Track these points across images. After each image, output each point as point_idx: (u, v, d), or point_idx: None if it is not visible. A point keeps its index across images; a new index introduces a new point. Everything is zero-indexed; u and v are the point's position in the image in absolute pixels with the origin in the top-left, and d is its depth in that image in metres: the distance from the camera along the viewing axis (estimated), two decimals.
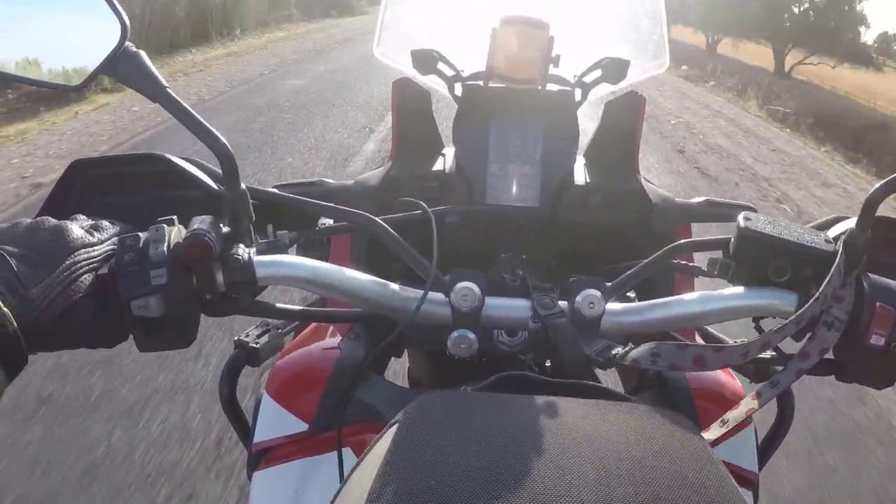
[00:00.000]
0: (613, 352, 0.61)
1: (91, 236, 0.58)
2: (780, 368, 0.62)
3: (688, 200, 0.92)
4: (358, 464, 0.49)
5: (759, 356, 0.69)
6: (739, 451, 0.74)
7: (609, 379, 0.78)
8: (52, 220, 0.57)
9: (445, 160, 0.92)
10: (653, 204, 0.88)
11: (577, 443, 0.45)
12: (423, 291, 0.64)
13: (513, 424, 0.47)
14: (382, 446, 0.47)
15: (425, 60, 0.89)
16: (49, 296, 0.53)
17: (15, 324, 0.50)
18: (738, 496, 0.43)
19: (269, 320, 0.81)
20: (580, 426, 0.48)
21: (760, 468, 0.78)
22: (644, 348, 0.58)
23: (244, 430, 0.84)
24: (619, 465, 0.43)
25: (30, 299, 0.52)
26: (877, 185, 0.59)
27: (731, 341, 0.79)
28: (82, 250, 0.56)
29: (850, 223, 0.62)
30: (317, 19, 19.86)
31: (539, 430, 0.46)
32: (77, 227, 0.57)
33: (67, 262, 0.54)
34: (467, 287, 0.63)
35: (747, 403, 0.61)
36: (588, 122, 0.92)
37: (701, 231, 0.87)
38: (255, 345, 0.76)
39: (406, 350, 0.99)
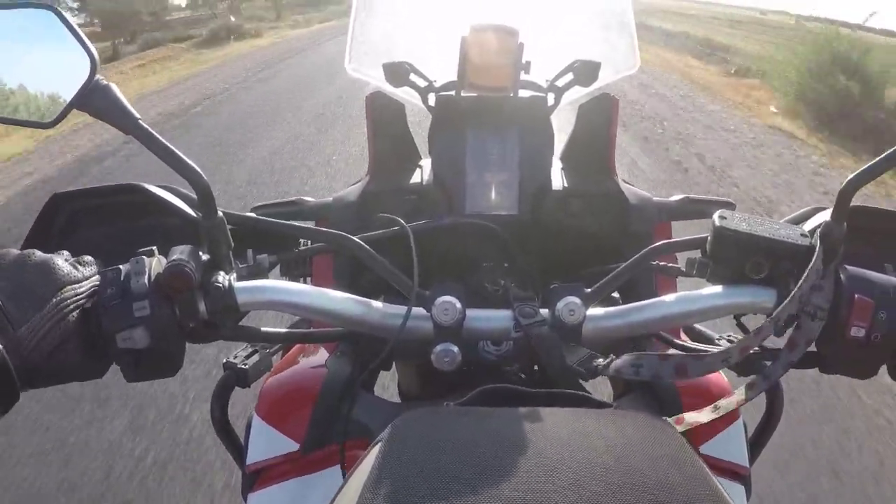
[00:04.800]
0: (595, 363, 0.61)
1: (77, 271, 0.58)
2: (767, 363, 0.63)
3: (666, 199, 0.93)
4: (346, 481, 0.50)
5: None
6: (730, 446, 0.75)
7: (599, 379, 0.79)
8: (39, 255, 0.57)
9: (423, 172, 0.92)
10: (631, 205, 0.88)
11: (554, 451, 0.46)
12: (404, 308, 0.65)
13: (492, 437, 0.48)
14: (367, 464, 0.48)
15: (397, 73, 0.89)
16: (38, 334, 0.53)
17: (8, 361, 0.50)
18: (715, 490, 0.44)
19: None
20: (559, 434, 0.49)
21: (751, 462, 0.79)
22: (625, 359, 0.59)
23: (238, 451, 0.84)
24: (592, 469, 0.44)
25: (19, 338, 0.52)
26: (850, 177, 0.59)
27: (716, 336, 0.80)
28: (68, 287, 0.56)
29: (826, 215, 0.62)
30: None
31: (518, 442, 0.47)
32: (63, 262, 0.58)
33: (55, 300, 0.55)
34: (448, 301, 0.63)
35: (740, 394, 0.61)
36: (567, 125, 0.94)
37: (683, 228, 0.88)
38: (243, 366, 0.76)
39: (395, 363, 0.99)
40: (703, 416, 0.61)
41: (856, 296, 0.59)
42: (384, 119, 0.93)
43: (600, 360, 0.62)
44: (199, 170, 0.61)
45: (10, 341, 0.52)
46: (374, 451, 0.49)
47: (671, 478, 0.44)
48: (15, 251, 0.58)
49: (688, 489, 0.43)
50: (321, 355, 0.80)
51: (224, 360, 0.78)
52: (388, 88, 0.92)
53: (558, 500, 0.41)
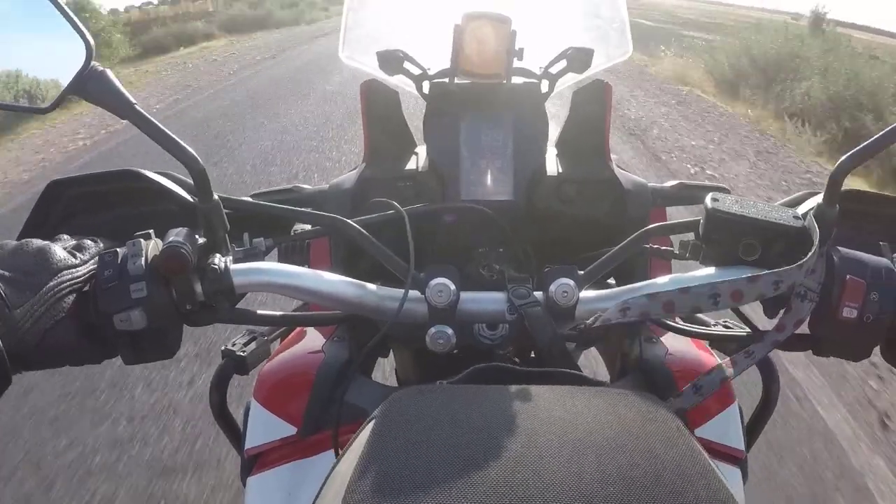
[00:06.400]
0: (584, 324, 0.62)
1: (74, 257, 0.59)
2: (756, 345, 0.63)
3: (660, 185, 0.94)
4: (339, 460, 0.51)
5: (739, 334, 0.71)
6: (726, 430, 0.76)
7: (597, 369, 0.79)
8: (37, 242, 0.58)
9: (418, 159, 0.93)
10: (626, 191, 0.89)
11: (547, 428, 0.46)
12: (400, 290, 0.65)
13: (484, 414, 0.48)
14: (360, 442, 0.48)
15: (391, 61, 0.89)
16: (33, 316, 0.54)
17: (0, 344, 0.51)
18: (712, 472, 0.44)
19: (255, 328, 0.82)
20: (551, 412, 0.49)
21: (748, 447, 0.79)
22: (613, 306, 0.59)
23: (236, 436, 0.85)
24: (588, 446, 0.44)
25: (14, 320, 0.53)
26: (841, 159, 0.59)
27: (712, 322, 0.81)
28: (66, 272, 0.57)
29: (819, 198, 0.63)
30: None
31: (510, 418, 0.48)
32: (60, 249, 0.58)
33: (51, 284, 0.56)
34: (442, 283, 0.64)
35: (720, 371, 0.62)
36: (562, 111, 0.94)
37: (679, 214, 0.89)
38: (242, 353, 0.77)
39: (392, 349, 1.00)
40: (685, 399, 0.62)
41: (847, 277, 0.59)
42: (379, 107, 0.94)
43: (588, 321, 0.62)
44: (195, 153, 0.61)
45: (6, 323, 0.52)
46: (367, 429, 0.49)
47: (665, 455, 0.44)
48: (13, 242, 0.59)
49: (681, 467, 0.43)
50: (318, 341, 0.81)
51: (222, 348, 0.78)
52: (382, 76, 0.93)
53: (552, 476, 0.41)
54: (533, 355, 0.89)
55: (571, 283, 0.64)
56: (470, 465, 0.42)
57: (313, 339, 0.82)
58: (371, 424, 0.49)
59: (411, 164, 0.92)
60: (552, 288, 0.64)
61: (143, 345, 0.59)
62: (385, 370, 1.35)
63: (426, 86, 0.91)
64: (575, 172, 0.90)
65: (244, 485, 0.76)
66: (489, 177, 0.88)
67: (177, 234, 0.59)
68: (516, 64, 0.89)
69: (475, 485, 0.40)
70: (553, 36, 0.99)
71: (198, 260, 0.60)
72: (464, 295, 0.65)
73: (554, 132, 0.93)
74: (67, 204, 0.74)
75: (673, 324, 0.75)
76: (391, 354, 1.03)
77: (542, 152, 0.89)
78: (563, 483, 0.40)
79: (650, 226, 0.70)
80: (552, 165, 0.91)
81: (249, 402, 0.78)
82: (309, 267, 0.87)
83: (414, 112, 0.93)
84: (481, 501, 0.39)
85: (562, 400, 0.51)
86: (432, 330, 0.65)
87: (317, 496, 0.49)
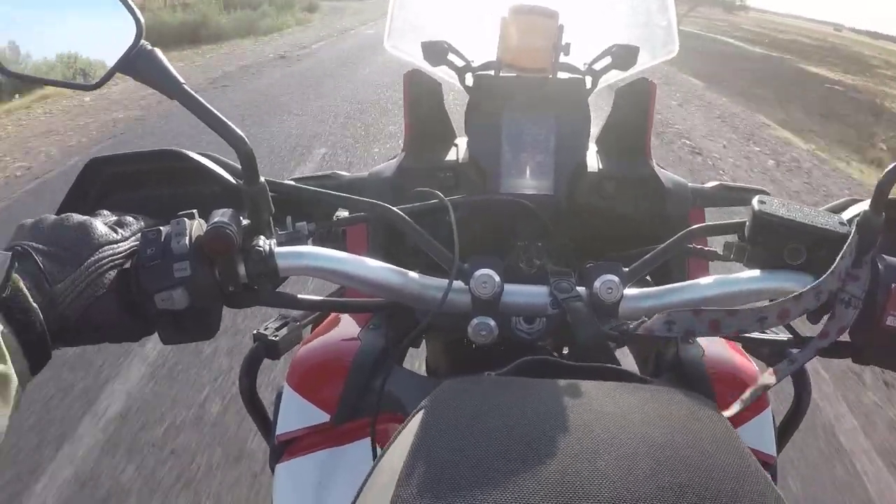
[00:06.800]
0: (627, 326, 0.61)
1: (115, 233, 0.59)
2: (795, 351, 0.62)
3: (701, 185, 0.93)
4: (385, 451, 0.50)
5: (775, 339, 0.70)
6: (758, 435, 0.75)
7: (626, 365, 0.78)
8: (78, 217, 0.58)
9: (458, 150, 0.92)
10: (666, 189, 0.88)
11: (600, 424, 0.46)
12: (443, 280, 0.65)
13: (536, 407, 0.48)
14: (409, 433, 0.47)
15: (435, 52, 0.89)
16: (74, 291, 0.54)
17: (42, 318, 0.51)
18: (761, 474, 0.44)
19: (287, 313, 0.82)
20: (603, 407, 0.48)
21: (779, 452, 0.78)
22: (658, 318, 0.59)
23: (265, 423, 0.85)
24: (641, 445, 0.43)
25: (55, 295, 0.53)
26: (889, 167, 0.59)
27: None
28: (107, 247, 0.57)
29: (865, 205, 0.62)
30: None
31: (562, 413, 0.47)
32: (101, 224, 0.58)
33: (92, 259, 0.55)
34: (487, 274, 0.63)
35: (764, 380, 0.61)
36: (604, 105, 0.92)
37: (712, 216, 0.87)
38: (273, 338, 0.77)
39: (424, 339, 1.00)
40: (729, 411, 0.61)
41: (893, 285, 0.59)
42: (421, 97, 0.93)
43: (630, 323, 0.61)
44: (243, 135, 0.61)
45: (46, 298, 0.52)
46: (416, 421, 0.48)
47: (716, 456, 0.43)
48: (53, 216, 0.59)
49: (737, 469, 0.43)
50: (353, 328, 0.80)
51: (254, 332, 0.78)
52: (426, 67, 0.92)
53: (610, 471, 0.41)
54: (566, 350, 0.88)
55: (616, 279, 0.63)
56: (525, 459, 0.42)
57: (348, 326, 0.82)
58: (420, 416, 0.49)
59: (451, 156, 0.91)
60: (597, 284, 0.63)
61: (183, 324, 0.59)
62: (414, 361, 1.35)
63: (469, 78, 0.91)
64: (616, 169, 0.90)
65: (273, 472, 0.76)
66: (530, 171, 0.87)
67: (222, 215, 0.59)
68: (561, 59, 0.89)
69: (532, 479, 0.40)
70: (599, 32, 0.98)
71: (242, 242, 0.60)
72: (507, 287, 0.65)
73: (594, 128, 0.92)
74: (107, 181, 0.74)
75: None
76: (421, 347, 1.03)
77: (583, 148, 0.88)
78: (618, 479, 0.40)
79: (695, 226, 0.69)
80: (593, 161, 0.90)
81: (282, 388, 0.78)
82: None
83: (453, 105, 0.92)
84: (539, 495, 0.38)
85: (612, 395, 0.50)
86: (475, 321, 0.65)
87: (361, 488, 0.48)
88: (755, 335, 0.74)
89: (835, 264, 0.58)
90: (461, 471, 0.41)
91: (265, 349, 0.78)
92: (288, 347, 0.79)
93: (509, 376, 0.57)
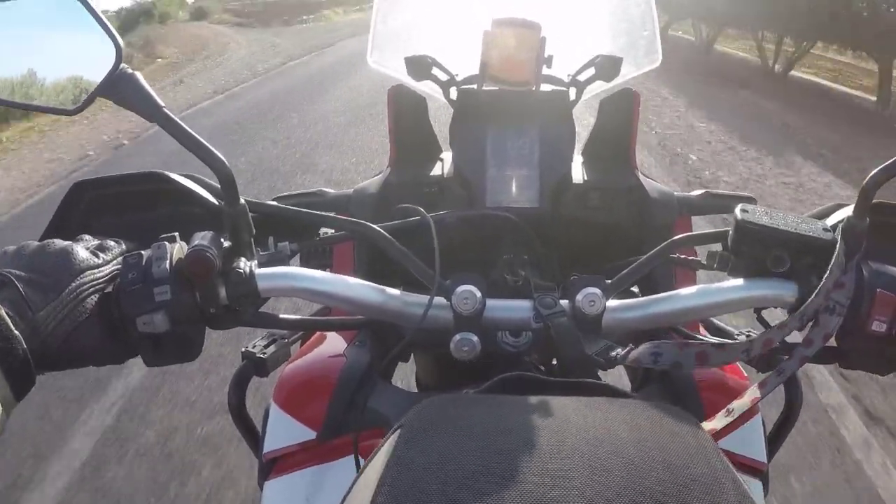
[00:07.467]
0: (614, 353, 0.61)
1: (96, 257, 0.59)
2: (784, 357, 0.62)
3: (686, 194, 0.93)
4: (365, 467, 0.50)
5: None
6: (748, 442, 0.74)
7: (617, 371, 0.78)
8: (59, 242, 0.58)
9: (444, 164, 0.92)
10: (651, 199, 0.88)
11: (574, 440, 0.46)
12: (425, 296, 0.65)
13: (511, 426, 0.48)
14: (385, 451, 0.47)
15: (419, 66, 0.89)
16: (56, 318, 0.54)
17: (25, 346, 0.51)
18: (738, 486, 0.44)
19: (276, 330, 0.82)
20: (578, 424, 0.48)
21: (770, 458, 0.78)
22: (644, 348, 0.59)
23: (254, 439, 0.85)
24: (615, 461, 0.43)
25: (37, 322, 0.53)
26: (872, 172, 0.59)
27: (735, 332, 0.79)
28: (88, 272, 0.57)
29: (849, 210, 0.62)
30: None
31: (536, 431, 0.47)
32: (83, 249, 0.58)
33: (74, 285, 0.55)
34: (468, 290, 0.63)
35: (752, 393, 0.61)
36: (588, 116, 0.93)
37: (703, 224, 0.87)
38: (261, 355, 0.77)
39: (413, 354, 0.99)
40: (717, 422, 0.61)
41: (878, 290, 0.59)
42: (405, 112, 0.93)
43: (619, 349, 0.61)
44: (222, 157, 0.61)
45: (28, 325, 0.52)
46: (394, 437, 0.48)
47: (694, 471, 0.43)
48: (35, 243, 0.59)
49: (711, 482, 0.43)
50: (339, 345, 0.80)
51: (242, 350, 0.78)
52: (410, 82, 0.92)
53: (583, 488, 0.41)
54: (555, 362, 0.88)
55: (598, 292, 0.63)
56: (500, 479, 0.42)
57: (334, 343, 0.82)
58: (397, 433, 0.49)
59: (436, 170, 0.91)
60: (579, 297, 0.63)
61: (165, 347, 0.59)
62: (403, 376, 1.34)
63: (453, 92, 0.91)
64: (601, 180, 0.90)
65: (261, 489, 0.76)
66: (515, 184, 0.87)
67: (202, 238, 0.59)
68: (545, 71, 0.89)
69: (506, 497, 0.40)
70: (582, 43, 0.99)
71: (223, 263, 0.60)
72: (489, 303, 0.65)
73: (579, 139, 0.93)
74: (90, 205, 0.74)
75: (698, 336, 0.74)
76: (411, 359, 1.03)
77: (568, 160, 0.88)
78: (592, 497, 0.40)
79: (678, 236, 0.69)
80: (578, 173, 0.90)
81: (269, 405, 0.78)
82: (332, 271, 0.87)
83: (438, 118, 0.92)
84: None
85: (591, 412, 0.50)
86: (457, 337, 0.64)
87: (342, 502, 0.49)
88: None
89: (822, 282, 0.57)
90: (435, 490, 0.41)
91: (253, 367, 0.78)
92: (276, 365, 0.79)
93: (487, 393, 0.57)
